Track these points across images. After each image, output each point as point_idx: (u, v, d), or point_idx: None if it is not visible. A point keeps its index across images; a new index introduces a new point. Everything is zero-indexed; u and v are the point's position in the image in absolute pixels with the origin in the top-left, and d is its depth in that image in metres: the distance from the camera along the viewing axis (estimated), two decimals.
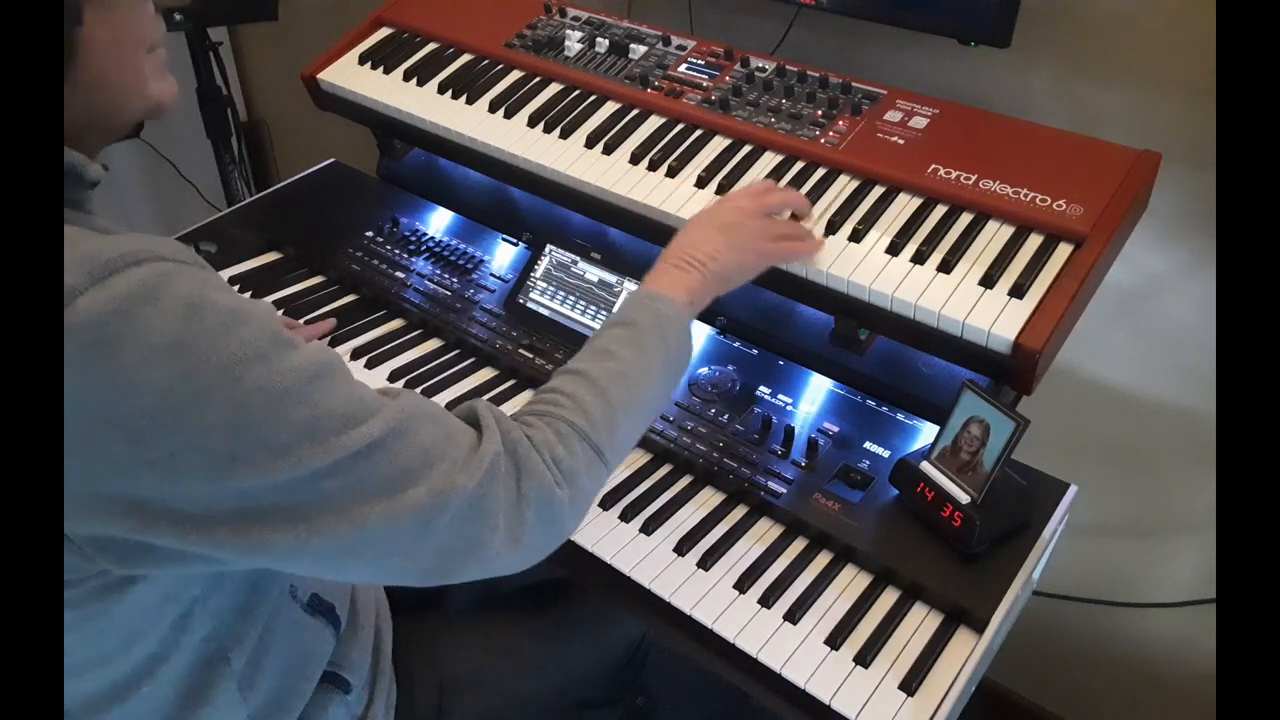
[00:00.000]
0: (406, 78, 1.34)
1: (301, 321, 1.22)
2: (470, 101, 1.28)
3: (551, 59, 1.30)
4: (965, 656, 0.86)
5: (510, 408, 1.09)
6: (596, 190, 1.15)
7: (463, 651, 1.04)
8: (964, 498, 0.91)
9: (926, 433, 1.04)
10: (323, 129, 1.82)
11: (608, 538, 0.95)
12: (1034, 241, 0.98)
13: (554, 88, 1.27)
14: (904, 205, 1.05)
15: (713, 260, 0.91)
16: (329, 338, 1.20)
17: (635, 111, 1.21)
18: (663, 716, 1.27)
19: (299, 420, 0.59)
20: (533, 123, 1.23)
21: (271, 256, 1.36)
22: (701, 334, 1.14)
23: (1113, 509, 1.39)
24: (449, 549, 0.66)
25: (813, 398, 1.09)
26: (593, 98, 1.24)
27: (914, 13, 1.18)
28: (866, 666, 0.85)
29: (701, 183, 1.11)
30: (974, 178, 1.03)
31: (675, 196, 1.11)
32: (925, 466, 0.95)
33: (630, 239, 1.19)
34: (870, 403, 1.08)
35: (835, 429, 1.05)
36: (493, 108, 1.26)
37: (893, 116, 1.12)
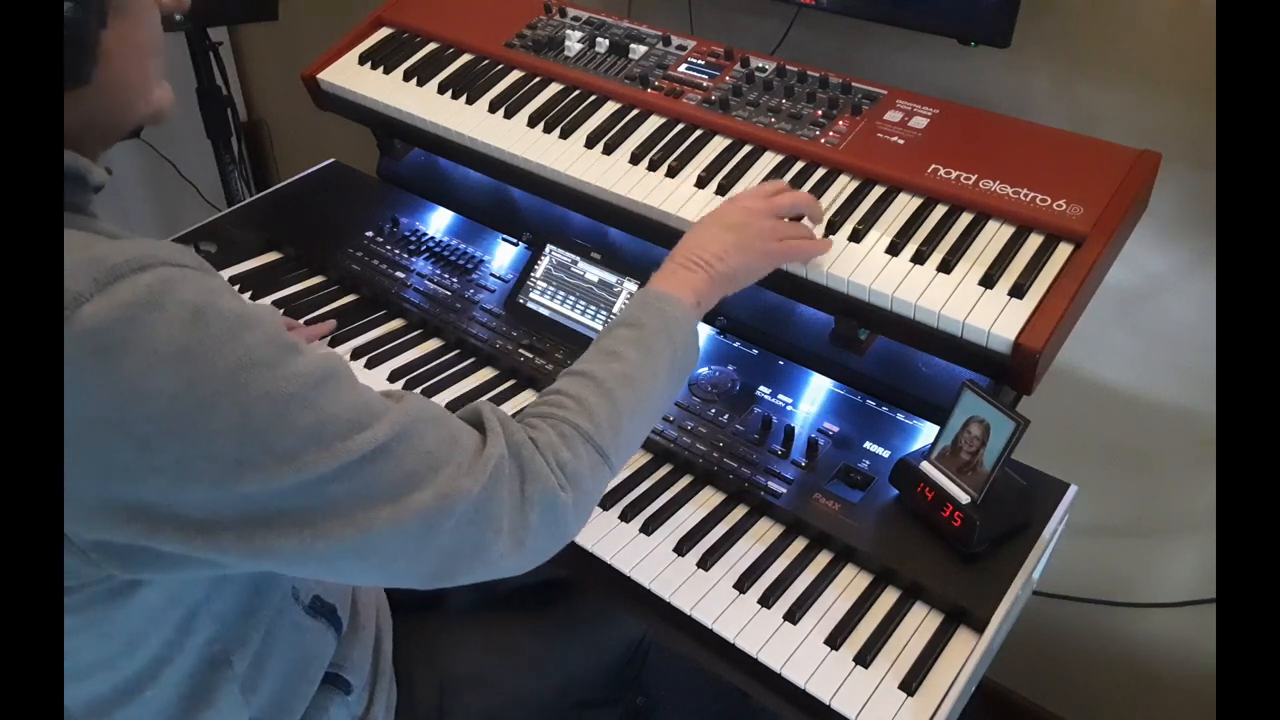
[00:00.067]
0: (406, 78, 1.34)
1: (301, 322, 1.22)
2: (470, 101, 1.28)
3: (551, 59, 1.30)
4: (965, 656, 0.86)
5: (510, 408, 1.09)
6: (596, 190, 1.15)
7: (463, 651, 1.04)
8: (964, 498, 0.91)
9: (926, 433, 1.04)
10: (323, 129, 1.82)
11: (608, 538, 0.95)
12: (1034, 241, 0.98)
13: (554, 88, 1.27)
14: (904, 205, 1.05)
15: (720, 261, 0.91)
16: (329, 338, 1.20)
17: (635, 111, 1.21)
18: (663, 716, 1.27)
19: (304, 425, 0.60)
20: (533, 123, 1.23)
21: (271, 256, 1.36)
22: (702, 334, 1.14)
23: (1113, 509, 1.39)
24: (453, 552, 0.67)
25: (813, 398, 1.09)
26: (593, 98, 1.24)
27: (914, 13, 1.18)
28: (866, 666, 0.85)
29: (701, 183, 1.11)
30: (974, 178, 1.03)
31: (675, 196, 1.11)
32: (925, 466, 0.95)
33: (630, 239, 1.19)
34: (870, 403, 1.08)
35: (835, 429, 1.05)
36: (493, 108, 1.26)
37: (893, 116, 1.12)
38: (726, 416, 1.07)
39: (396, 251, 1.32)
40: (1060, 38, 1.18)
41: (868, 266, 1.00)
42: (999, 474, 0.90)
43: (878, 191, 1.07)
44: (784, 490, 0.99)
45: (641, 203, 1.11)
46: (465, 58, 1.35)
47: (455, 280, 1.27)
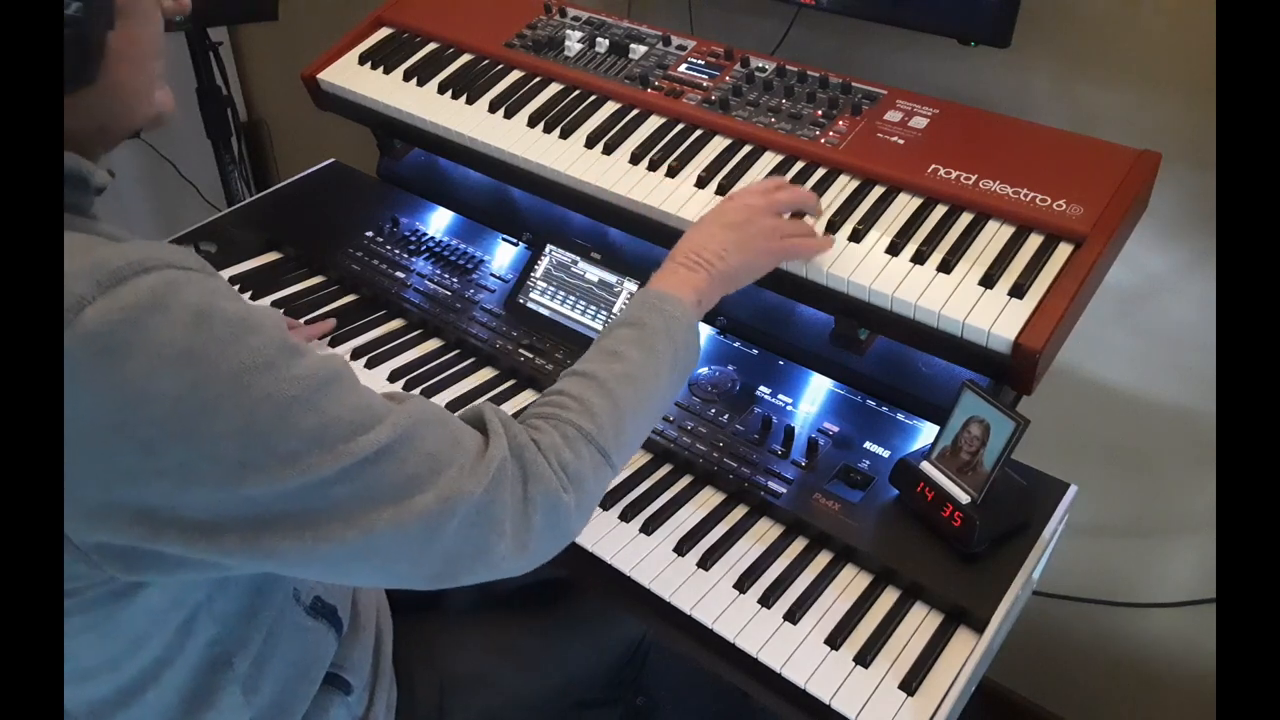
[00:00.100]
0: (406, 78, 1.34)
1: (301, 321, 1.22)
2: (470, 101, 1.28)
3: (551, 59, 1.30)
4: (965, 656, 0.86)
5: (510, 408, 1.09)
6: (596, 190, 1.15)
7: (463, 651, 1.04)
8: (964, 498, 0.91)
9: (926, 433, 1.04)
10: (323, 129, 1.82)
11: (608, 538, 0.95)
12: (1034, 241, 0.98)
13: (554, 88, 1.27)
14: (904, 205, 1.05)
15: (720, 259, 0.91)
16: (329, 338, 1.20)
17: (635, 111, 1.21)
18: (663, 716, 1.27)
19: (308, 428, 0.60)
20: (533, 123, 1.23)
21: (271, 256, 1.36)
22: (702, 334, 1.14)
23: (1113, 509, 1.39)
24: (456, 554, 0.67)
25: (813, 398, 1.09)
26: (593, 98, 1.24)
27: (914, 13, 1.18)
28: (866, 666, 0.85)
29: (701, 183, 1.11)
30: (974, 178, 1.03)
31: (675, 196, 1.11)
32: (925, 466, 0.95)
33: (630, 239, 1.19)
34: (870, 403, 1.08)
35: (835, 429, 1.05)
36: (493, 108, 1.26)
37: (893, 116, 1.12)
38: (726, 416, 1.07)
39: (396, 251, 1.32)
40: (1060, 38, 1.18)
41: (868, 266, 1.00)
42: (999, 474, 0.90)
43: (878, 191, 1.07)
44: (784, 490, 0.99)
45: (641, 203, 1.11)
46: (465, 58, 1.35)
47: (455, 280, 1.27)
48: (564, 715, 1.12)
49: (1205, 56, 1.08)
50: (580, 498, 0.73)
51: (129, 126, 0.68)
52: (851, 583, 0.93)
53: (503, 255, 1.30)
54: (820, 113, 1.14)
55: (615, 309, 1.17)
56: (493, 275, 1.27)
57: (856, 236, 1.02)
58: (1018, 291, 0.94)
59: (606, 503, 0.99)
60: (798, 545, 0.96)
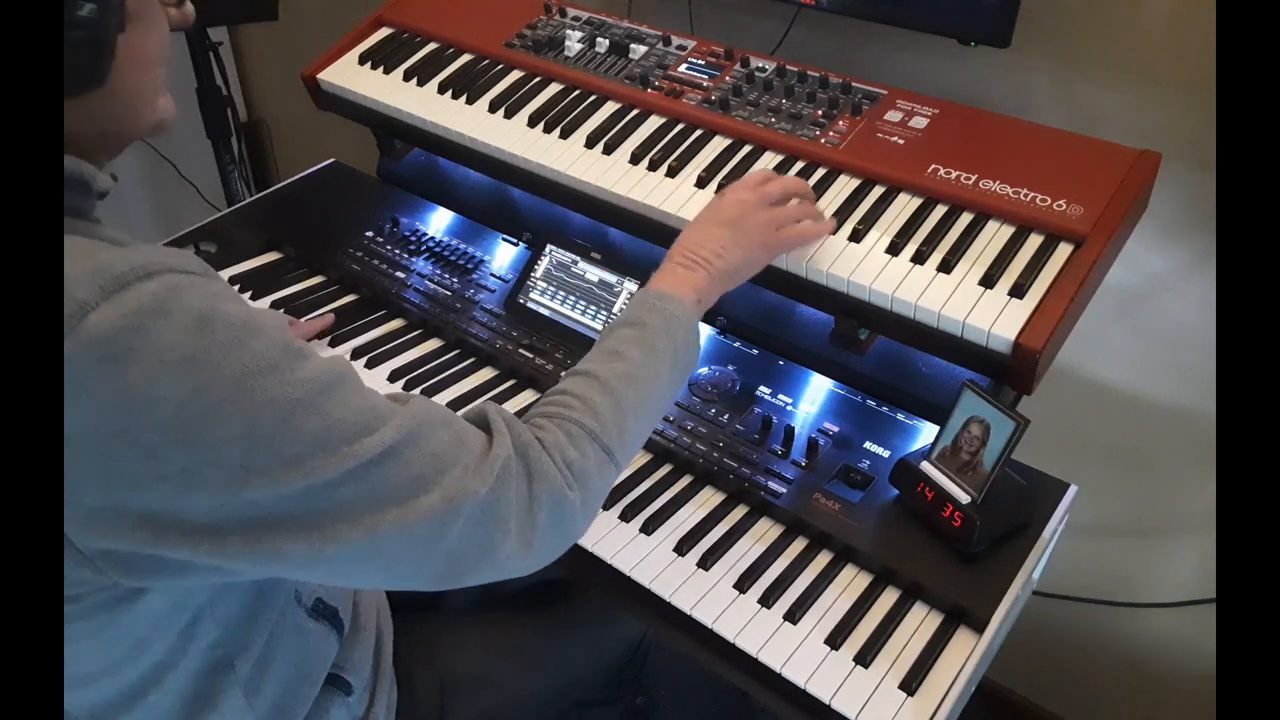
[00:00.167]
0: (406, 78, 1.34)
1: (302, 320, 1.22)
2: (470, 101, 1.28)
3: (551, 59, 1.30)
4: (965, 656, 0.86)
5: (511, 408, 1.09)
6: (596, 190, 1.15)
7: (463, 652, 1.04)
8: (964, 498, 0.91)
9: (926, 433, 1.04)
10: (323, 129, 1.82)
11: (608, 538, 0.95)
12: (1034, 241, 0.98)
13: (554, 88, 1.27)
14: (904, 205, 1.05)
15: (719, 257, 0.91)
16: (329, 337, 1.20)
17: (635, 111, 1.21)
18: (663, 716, 1.27)
19: (311, 431, 0.60)
20: (533, 123, 1.23)
21: (271, 256, 1.36)
22: (702, 334, 1.14)
23: (1113, 509, 1.39)
24: (461, 554, 0.66)
25: (813, 398, 1.09)
26: (593, 98, 1.24)
27: (914, 13, 1.17)
28: (866, 666, 0.85)
29: (702, 183, 1.11)
30: (974, 178, 1.03)
31: (675, 196, 1.11)
32: (925, 466, 0.95)
33: (630, 239, 1.19)
34: (870, 403, 1.08)
35: (835, 429, 1.05)
36: (493, 108, 1.26)
37: (893, 116, 1.12)
38: (726, 416, 1.07)
39: (396, 251, 1.32)
40: (1060, 38, 1.18)
41: (868, 266, 1.00)
42: (999, 474, 0.90)
43: (878, 191, 1.07)
44: (784, 490, 0.99)
45: (641, 203, 1.11)
46: (465, 58, 1.35)
47: (455, 280, 1.27)
48: (564, 715, 1.12)
49: (1205, 56, 1.08)
50: (585, 496, 0.73)
51: (132, 132, 0.69)
52: (851, 583, 0.93)
53: (503, 255, 1.30)
54: (820, 113, 1.14)
55: (615, 309, 1.17)
56: (493, 275, 1.27)
57: (856, 236, 1.02)
58: (1018, 291, 0.94)
59: (606, 503, 0.99)
60: (798, 545, 0.96)
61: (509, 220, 1.34)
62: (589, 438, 0.74)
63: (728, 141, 1.15)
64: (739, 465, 1.01)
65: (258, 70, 2.44)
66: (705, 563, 0.93)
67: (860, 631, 0.88)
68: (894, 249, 1.00)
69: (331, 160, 1.54)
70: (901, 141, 1.09)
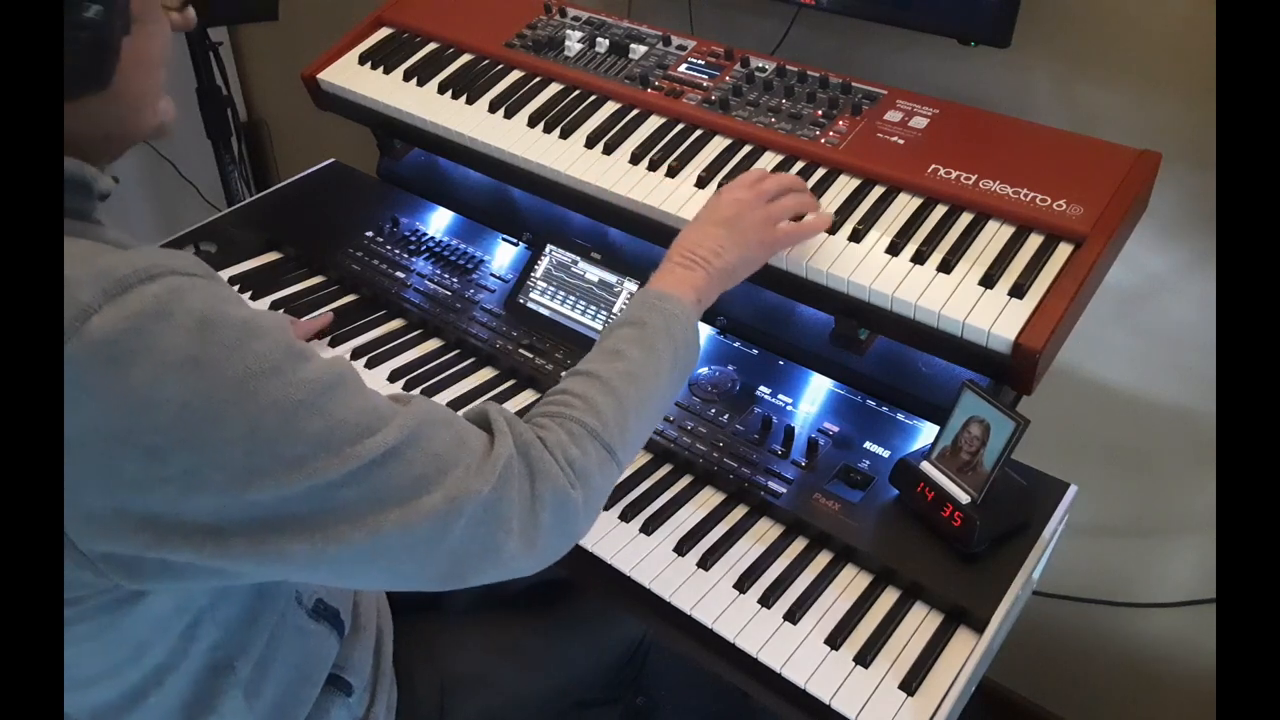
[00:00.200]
0: (406, 78, 1.34)
1: (302, 320, 1.22)
2: (470, 101, 1.28)
3: (551, 59, 1.30)
4: (965, 656, 0.86)
5: (511, 408, 1.09)
6: (596, 190, 1.15)
7: (463, 651, 1.04)
8: (964, 498, 0.91)
9: (926, 433, 1.04)
10: (323, 129, 1.82)
11: (608, 538, 0.95)
12: (1034, 241, 0.98)
13: (554, 88, 1.27)
14: (904, 205, 1.05)
15: (717, 256, 0.92)
16: (329, 337, 1.20)
17: (635, 111, 1.21)
18: (663, 716, 1.27)
19: (314, 432, 0.60)
20: (533, 123, 1.23)
21: (271, 256, 1.36)
22: (702, 334, 1.14)
23: (1113, 509, 1.39)
24: (464, 553, 0.67)
25: (813, 398, 1.09)
26: (593, 98, 1.24)
27: (914, 13, 1.18)
28: (866, 666, 0.85)
29: (702, 183, 1.11)
30: (974, 178, 1.03)
31: (675, 196, 1.11)
32: (925, 466, 0.95)
33: (630, 239, 1.19)
34: (870, 403, 1.08)
35: (835, 429, 1.05)
36: (493, 108, 1.26)
37: (893, 116, 1.12)
38: (726, 416, 1.07)
39: (396, 251, 1.32)
40: (1060, 38, 1.18)
41: (868, 266, 1.00)
42: (999, 474, 0.90)
43: (878, 191, 1.07)
44: (784, 490, 0.99)
45: (641, 203, 1.11)
46: (465, 58, 1.35)
47: (455, 280, 1.27)
48: (564, 715, 1.12)
49: (1205, 56, 1.08)
50: (588, 494, 0.73)
51: (134, 135, 0.69)
52: (851, 583, 0.93)
53: (503, 255, 1.30)
54: (820, 113, 1.14)
55: (615, 309, 1.17)
56: (493, 275, 1.27)
57: (856, 236, 1.02)
58: (1018, 291, 0.94)
59: (607, 503, 0.98)
60: (798, 545, 0.96)
61: (509, 220, 1.34)
62: (591, 436, 0.74)
63: (728, 141, 1.15)
64: (739, 465, 1.01)
65: (258, 70, 2.44)
66: (705, 563, 0.93)
67: (860, 631, 0.88)
68: (894, 249, 1.00)
69: (331, 160, 1.54)
70: (901, 141, 1.09)
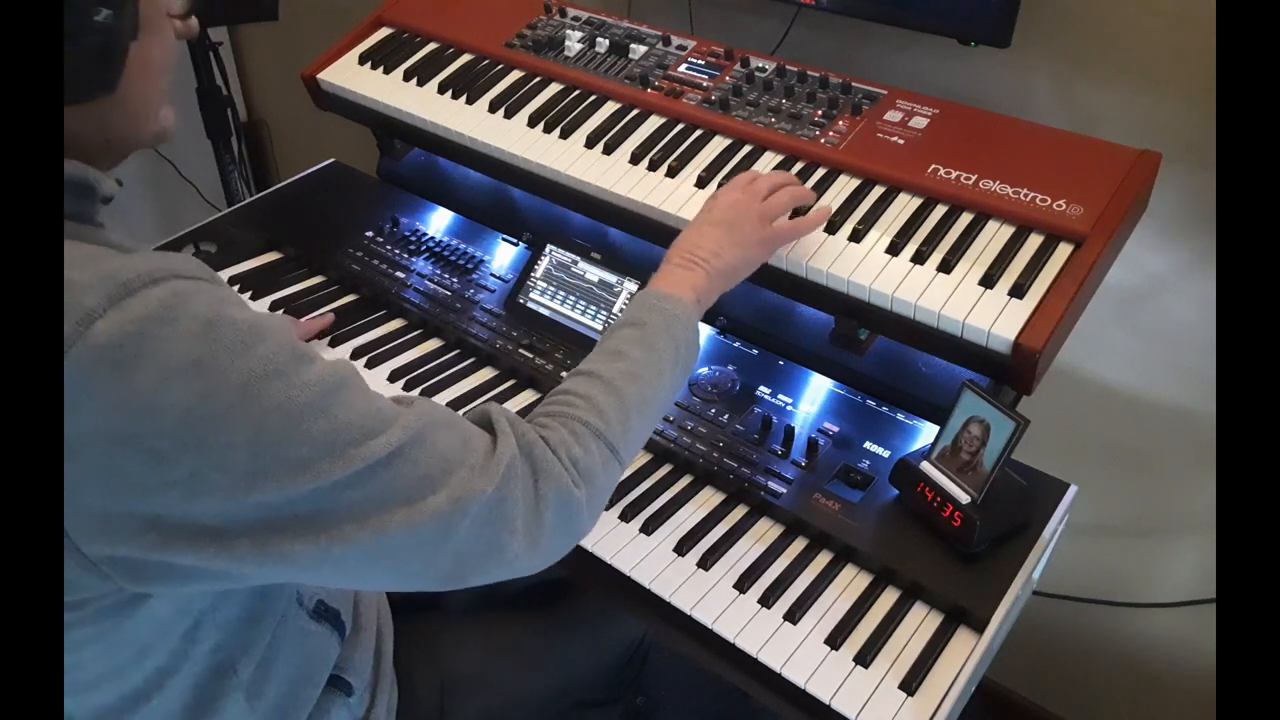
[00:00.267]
0: (406, 78, 1.34)
1: (302, 320, 1.22)
2: (470, 101, 1.28)
3: (551, 59, 1.30)
4: (965, 656, 0.86)
5: (511, 408, 1.09)
6: (596, 190, 1.15)
7: (463, 652, 1.04)
8: (964, 498, 0.91)
9: (926, 433, 1.04)
10: (323, 129, 1.82)
11: (608, 538, 0.95)
12: (1034, 241, 0.98)
13: (554, 88, 1.27)
14: (904, 205, 1.05)
15: (715, 257, 0.92)
16: (329, 337, 1.20)
17: (635, 111, 1.21)
18: (663, 716, 1.27)
19: (318, 434, 0.60)
20: (533, 123, 1.23)
21: (271, 256, 1.36)
22: (702, 334, 1.14)
23: (1113, 509, 1.39)
24: (469, 553, 0.67)
25: (813, 398, 1.09)
26: (593, 98, 1.24)
27: (914, 13, 1.17)
28: (866, 666, 0.85)
29: (702, 183, 1.11)
30: (974, 178, 1.03)
31: (675, 196, 1.11)
32: (925, 466, 0.95)
33: (630, 239, 1.19)
34: (870, 403, 1.08)
35: (835, 429, 1.05)
36: (493, 108, 1.26)
37: (893, 116, 1.12)
38: (726, 416, 1.07)
39: (396, 251, 1.32)
40: (1060, 38, 1.18)
41: (868, 266, 1.00)
42: (999, 474, 0.90)
43: (878, 191, 1.07)
44: (784, 490, 0.99)
45: (641, 203, 1.11)
46: (465, 58, 1.35)
47: (455, 280, 1.27)
48: (564, 715, 1.12)
49: (1205, 56, 1.08)
50: (591, 493, 0.73)
51: (135, 141, 0.69)
52: (851, 583, 0.93)
53: (503, 255, 1.30)
54: (820, 113, 1.14)
55: (615, 309, 1.17)
56: (493, 275, 1.27)
57: (856, 236, 1.02)
58: (1018, 291, 0.94)
59: (607, 502, 0.99)
60: (798, 545, 0.96)
61: (509, 220, 1.34)
62: (593, 435, 0.75)
63: (728, 141, 1.15)
64: (739, 465, 1.01)
65: (258, 70, 2.44)
66: (705, 563, 0.93)
67: (860, 631, 0.88)
68: (894, 249, 1.00)
69: (331, 160, 1.54)
70: (901, 141, 1.09)
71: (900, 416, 1.06)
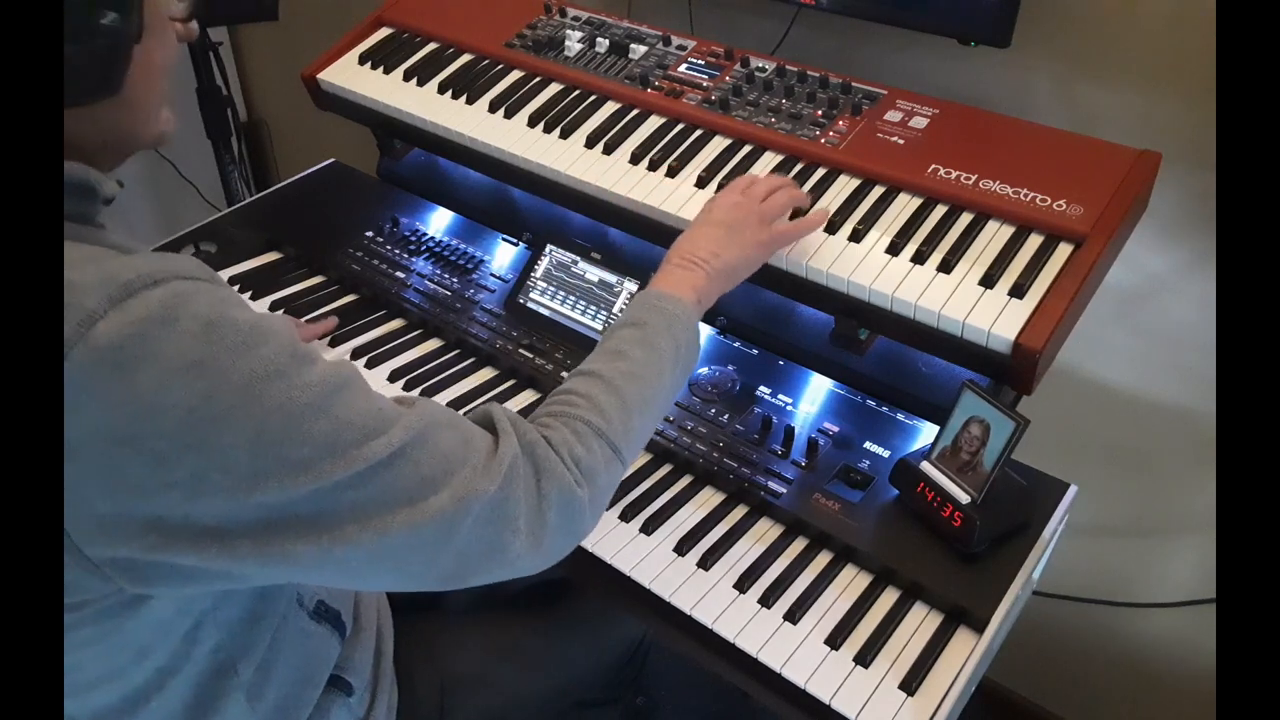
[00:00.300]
0: (406, 78, 1.34)
1: (303, 320, 1.22)
2: (470, 101, 1.28)
3: (551, 59, 1.30)
4: (965, 656, 0.86)
5: (511, 408, 1.09)
6: (596, 190, 1.15)
7: (463, 652, 1.04)
8: (964, 498, 0.91)
9: (926, 433, 1.04)
10: (323, 129, 1.82)
11: (608, 538, 0.95)
12: (1034, 241, 0.98)
13: (554, 88, 1.27)
14: (904, 205, 1.05)
15: (715, 257, 0.92)
16: (329, 337, 1.20)
17: (635, 111, 1.21)
18: (663, 716, 1.27)
19: (319, 434, 0.60)
20: (533, 123, 1.23)
21: (271, 256, 1.36)
22: (702, 334, 1.14)
23: (1113, 509, 1.39)
24: (471, 553, 0.67)
25: (813, 398, 1.09)
26: (593, 98, 1.24)
27: (914, 13, 1.18)
28: (866, 666, 0.85)
29: (702, 183, 1.11)
30: (974, 178, 1.03)
31: (675, 196, 1.11)
32: (925, 466, 0.95)
33: (630, 239, 1.19)
34: (870, 403, 1.08)
35: (835, 429, 1.05)
36: (493, 108, 1.26)
37: (893, 116, 1.12)
38: (726, 416, 1.07)
39: (396, 251, 1.32)
40: (1060, 38, 1.18)
41: (868, 266, 1.00)
42: (999, 474, 0.90)
43: (878, 191, 1.07)
44: (784, 490, 0.99)
45: (641, 203, 1.11)
46: (465, 58, 1.35)
47: (455, 280, 1.27)
48: (564, 715, 1.12)
49: (1205, 56, 1.08)
50: (593, 493, 0.73)
51: (135, 143, 0.70)
52: (851, 583, 0.93)
53: (503, 255, 1.30)
54: (820, 113, 1.14)
55: (615, 309, 1.17)
56: (493, 275, 1.27)
57: (856, 236, 1.02)
58: (1018, 291, 0.94)
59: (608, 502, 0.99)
60: (798, 545, 0.96)
61: (509, 220, 1.34)
62: (595, 435, 0.75)
63: (728, 141, 1.15)
64: (739, 465, 1.01)
65: (258, 70, 2.44)
66: (705, 563, 0.93)
67: (860, 631, 0.88)
68: (894, 249, 1.00)
69: (331, 160, 1.54)
70: (901, 141, 1.09)
71: (900, 416, 1.06)
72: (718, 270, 0.92)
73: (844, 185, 1.08)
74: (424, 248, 1.32)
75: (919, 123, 1.11)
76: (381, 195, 1.43)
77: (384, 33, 1.43)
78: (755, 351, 1.14)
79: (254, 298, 1.27)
